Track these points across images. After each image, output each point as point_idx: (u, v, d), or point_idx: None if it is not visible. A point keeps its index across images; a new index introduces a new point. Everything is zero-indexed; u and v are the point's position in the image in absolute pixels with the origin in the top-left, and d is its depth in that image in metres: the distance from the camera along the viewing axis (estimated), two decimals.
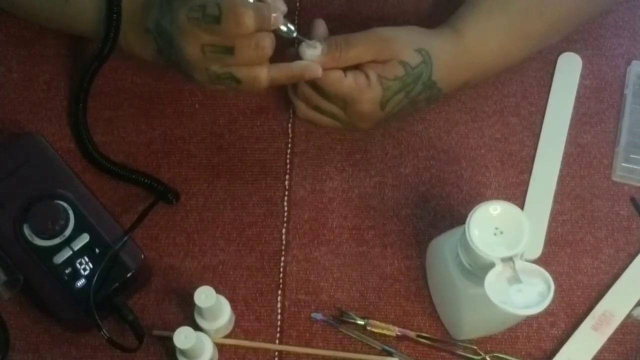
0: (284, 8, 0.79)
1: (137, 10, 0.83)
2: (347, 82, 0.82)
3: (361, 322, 0.86)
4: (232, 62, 0.78)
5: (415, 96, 0.84)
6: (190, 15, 0.77)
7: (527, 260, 0.74)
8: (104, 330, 0.81)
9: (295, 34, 0.81)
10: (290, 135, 0.93)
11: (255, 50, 0.77)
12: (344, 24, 0.90)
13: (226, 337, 0.86)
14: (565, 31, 0.91)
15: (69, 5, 0.87)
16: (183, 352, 0.81)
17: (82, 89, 0.90)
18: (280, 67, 0.80)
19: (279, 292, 0.88)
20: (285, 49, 0.83)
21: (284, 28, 0.80)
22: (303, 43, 0.81)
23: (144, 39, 0.83)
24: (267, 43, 0.77)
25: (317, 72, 0.81)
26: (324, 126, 0.89)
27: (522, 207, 0.90)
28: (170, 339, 0.80)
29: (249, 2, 0.76)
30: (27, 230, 0.83)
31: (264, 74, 0.79)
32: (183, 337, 0.79)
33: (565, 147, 0.93)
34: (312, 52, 0.81)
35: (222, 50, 0.77)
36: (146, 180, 0.90)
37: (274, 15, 0.77)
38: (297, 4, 0.97)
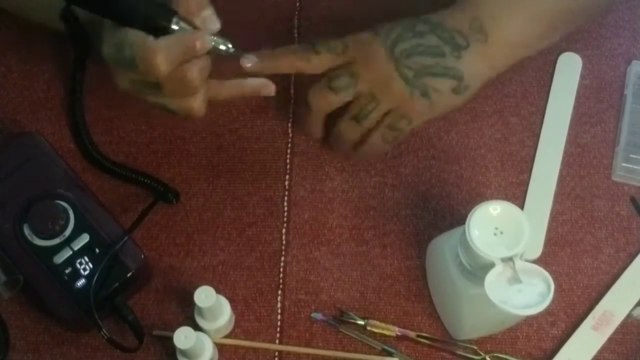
0: (216, 26, 0.73)
1: (89, 25, 0.81)
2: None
3: (361, 322, 0.86)
4: (161, 95, 0.74)
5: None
6: (110, 54, 0.73)
7: (527, 260, 0.74)
8: (104, 330, 0.81)
9: (232, 51, 0.74)
10: (290, 135, 0.93)
11: (181, 84, 0.72)
12: (344, 23, 0.89)
13: (226, 337, 0.86)
14: (573, 26, 0.88)
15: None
16: (183, 352, 0.81)
17: (75, 91, 0.91)
18: (231, 85, 0.78)
19: (279, 292, 0.88)
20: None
21: (222, 47, 0.73)
22: (242, 57, 0.77)
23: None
24: (194, 75, 0.72)
25: (271, 90, 0.78)
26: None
27: (522, 207, 0.90)
28: (170, 339, 0.80)
29: (162, 42, 0.70)
30: (27, 230, 0.83)
31: (197, 104, 0.75)
32: (183, 337, 0.79)
33: (565, 147, 0.93)
34: (251, 65, 0.77)
35: (149, 85, 0.73)
36: (146, 180, 0.90)
37: (199, 41, 0.71)
38: (297, 4, 0.97)
